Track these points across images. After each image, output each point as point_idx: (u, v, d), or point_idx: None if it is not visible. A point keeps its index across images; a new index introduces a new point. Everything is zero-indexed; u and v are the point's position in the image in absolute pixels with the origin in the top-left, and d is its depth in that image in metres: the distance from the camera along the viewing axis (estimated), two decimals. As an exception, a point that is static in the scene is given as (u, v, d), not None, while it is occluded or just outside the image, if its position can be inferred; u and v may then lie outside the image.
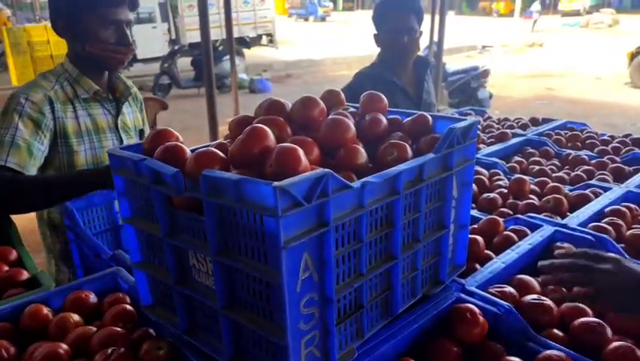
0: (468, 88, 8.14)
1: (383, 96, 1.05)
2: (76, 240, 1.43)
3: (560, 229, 1.27)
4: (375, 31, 2.37)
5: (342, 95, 1.09)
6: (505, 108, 8.15)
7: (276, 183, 0.62)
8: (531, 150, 2.02)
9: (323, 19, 34.40)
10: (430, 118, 0.99)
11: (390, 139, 0.95)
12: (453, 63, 9.11)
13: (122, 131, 1.64)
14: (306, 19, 34.84)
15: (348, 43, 17.07)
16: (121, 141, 1.63)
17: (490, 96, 8.02)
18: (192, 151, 0.84)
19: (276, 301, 0.68)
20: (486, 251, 1.17)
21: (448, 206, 0.95)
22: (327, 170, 0.67)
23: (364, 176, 0.83)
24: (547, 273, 0.93)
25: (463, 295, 0.99)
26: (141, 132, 1.74)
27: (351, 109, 1.06)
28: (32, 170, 1.39)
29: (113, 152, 0.86)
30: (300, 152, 0.73)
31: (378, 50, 2.41)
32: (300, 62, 13.85)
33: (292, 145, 0.74)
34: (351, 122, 0.92)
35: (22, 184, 1.29)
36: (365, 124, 0.99)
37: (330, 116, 0.93)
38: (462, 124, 0.92)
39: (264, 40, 15.30)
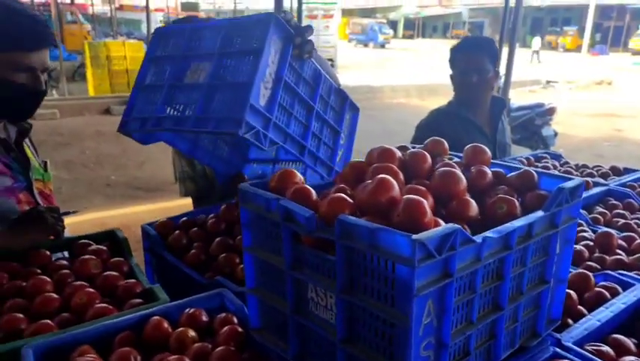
0: (531, 125, 7.96)
1: (487, 149, 1.10)
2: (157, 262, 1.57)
3: (653, 289, 1.26)
4: (451, 72, 2.46)
5: (446, 144, 1.15)
6: (569, 147, 7.91)
7: (415, 236, 0.68)
8: (614, 202, 1.99)
9: (383, 45, 34.75)
10: (535, 174, 1.03)
11: (497, 192, 0.99)
12: (516, 98, 8.96)
13: None
14: (366, 45, 35.29)
15: (406, 72, 17.14)
16: None
17: (555, 134, 7.81)
18: (315, 190, 0.92)
19: (399, 341, 0.74)
20: (578, 306, 1.18)
21: (551, 261, 0.98)
22: (456, 226, 0.73)
23: (474, 228, 0.88)
24: None
25: (559, 350, 1.00)
26: None
27: (456, 159, 1.11)
28: None
29: (244, 187, 0.96)
30: (425, 204, 0.79)
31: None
32: (358, 88, 14.01)
33: (418, 198, 0.80)
34: (461, 174, 0.97)
35: None
36: (471, 176, 1.04)
37: (442, 167, 0.99)
38: (570, 184, 0.95)
39: (325, 64, 15.61)
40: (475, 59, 2.34)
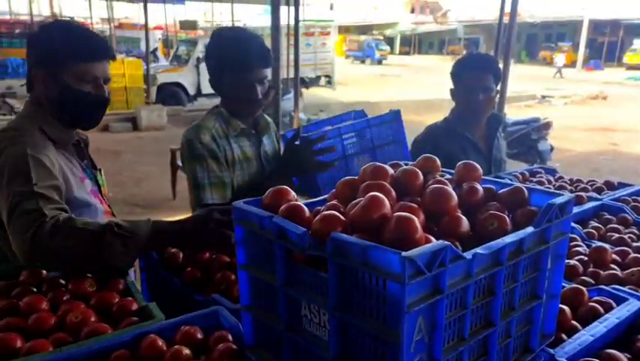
0: (528, 139, 8.00)
1: (478, 165, 1.12)
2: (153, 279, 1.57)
3: (646, 304, 1.26)
4: (453, 86, 2.46)
5: (438, 161, 1.16)
6: (566, 162, 7.95)
7: (404, 253, 0.69)
8: (608, 216, 2.00)
9: (379, 62, 35.07)
10: (526, 191, 1.04)
11: (488, 208, 1.01)
12: (512, 113, 9.03)
13: (264, 159, 1.99)
14: (363, 62, 35.63)
15: (404, 87, 17.28)
16: (263, 168, 1.97)
17: (552, 149, 7.85)
18: (307, 208, 0.94)
19: (391, 358, 0.74)
20: (572, 321, 1.18)
21: (543, 277, 0.99)
22: (446, 242, 0.74)
23: (465, 244, 0.89)
24: None
25: (552, 366, 1.01)
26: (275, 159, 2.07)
27: (448, 175, 1.13)
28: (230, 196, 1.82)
29: (238, 205, 0.97)
30: (416, 221, 0.80)
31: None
32: (356, 104, 14.08)
33: (409, 215, 0.81)
34: (452, 191, 0.99)
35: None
36: (462, 192, 1.05)
37: (433, 184, 1.00)
38: (560, 200, 0.97)
39: (322, 81, 15.77)
40: (482, 77, 2.32)
